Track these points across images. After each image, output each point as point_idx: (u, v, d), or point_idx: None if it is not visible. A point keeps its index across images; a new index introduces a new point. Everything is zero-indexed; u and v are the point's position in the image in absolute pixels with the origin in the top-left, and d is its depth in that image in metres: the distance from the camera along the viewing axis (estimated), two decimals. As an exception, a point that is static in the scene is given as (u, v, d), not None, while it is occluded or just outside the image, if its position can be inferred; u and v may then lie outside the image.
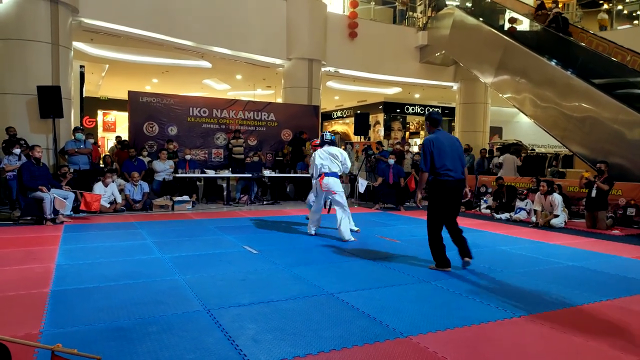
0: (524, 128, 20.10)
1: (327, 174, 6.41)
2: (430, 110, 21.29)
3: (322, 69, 13.79)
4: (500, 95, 12.65)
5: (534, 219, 8.39)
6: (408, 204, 11.16)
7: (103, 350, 2.64)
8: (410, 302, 3.71)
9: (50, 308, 3.38)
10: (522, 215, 8.89)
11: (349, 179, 12.78)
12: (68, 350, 1.88)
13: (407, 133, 21.78)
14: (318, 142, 7.05)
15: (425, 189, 4.97)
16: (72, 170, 8.57)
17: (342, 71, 14.63)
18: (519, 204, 9.13)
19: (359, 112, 15.35)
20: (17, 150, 8.17)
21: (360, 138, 14.33)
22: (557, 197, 8.18)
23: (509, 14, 13.23)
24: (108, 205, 8.61)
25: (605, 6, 15.24)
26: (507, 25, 13.16)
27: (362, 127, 13.77)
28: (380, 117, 20.67)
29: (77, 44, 11.76)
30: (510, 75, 11.97)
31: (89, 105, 18.05)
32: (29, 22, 8.84)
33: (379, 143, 13.05)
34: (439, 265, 4.81)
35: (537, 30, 12.57)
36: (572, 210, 9.20)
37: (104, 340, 2.84)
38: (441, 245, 4.80)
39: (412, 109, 20.95)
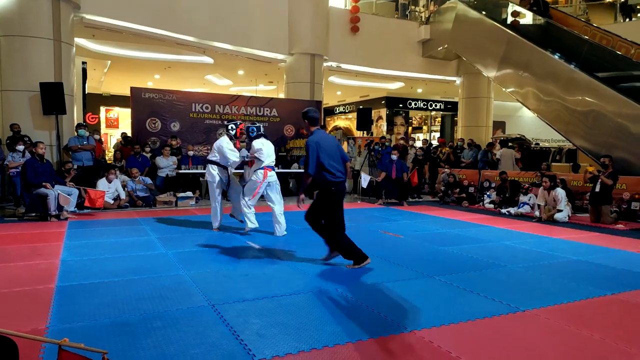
0: (527, 122, 20.02)
1: (272, 168, 6.32)
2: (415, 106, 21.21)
3: (324, 64, 13.74)
4: (504, 89, 12.59)
5: (537, 213, 8.37)
6: (411, 199, 11.16)
7: (109, 345, 2.65)
8: (415, 297, 3.72)
9: (56, 303, 3.40)
10: (525, 209, 8.87)
11: (351, 174, 12.78)
12: (75, 345, 1.88)
13: (410, 128, 21.73)
14: (245, 129, 6.57)
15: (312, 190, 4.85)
16: (76, 166, 8.60)
17: (344, 66, 14.57)
18: (522, 198, 9.12)
19: (361, 107, 15.32)
20: (20, 147, 8.20)
21: (363, 133, 14.30)
22: (560, 192, 8.15)
23: (511, 8, 13.14)
24: (112, 202, 8.63)
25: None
26: (510, 19, 13.08)
27: (364, 122, 13.74)
28: (383, 112, 20.60)
29: (79, 40, 11.75)
30: (513, 69, 11.91)
31: (92, 102, 18.05)
32: (31, 19, 8.83)
33: (383, 138, 13.04)
34: (358, 262, 4.59)
35: (541, 23, 12.49)
36: (576, 204, 9.17)
37: (109, 335, 2.86)
38: (350, 242, 4.59)
39: (415, 104, 20.87)
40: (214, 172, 6.44)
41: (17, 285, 3.84)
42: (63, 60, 9.26)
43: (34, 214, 7.40)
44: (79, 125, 9.35)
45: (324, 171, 4.50)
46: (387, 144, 12.56)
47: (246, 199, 6.17)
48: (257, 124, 6.55)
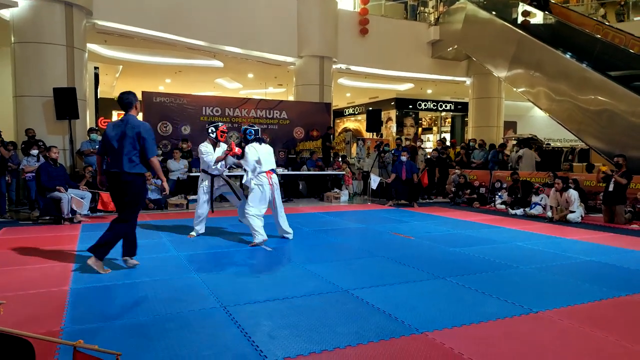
0: (539, 122, 19.83)
1: (273, 171, 5.94)
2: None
3: (334, 66, 13.76)
4: (515, 89, 12.50)
5: (549, 214, 8.29)
6: (422, 200, 11.11)
7: (122, 347, 2.68)
8: (426, 298, 3.70)
9: (70, 306, 3.44)
10: (537, 210, 8.79)
11: (361, 176, 12.78)
12: (89, 347, 1.91)
13: (420, 129, 21.65)
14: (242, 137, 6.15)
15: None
16: (93, 169, 8.69)
17: (353, 68, 14.58)
18: (534, 199, 9.04)
19: (370, 108, 15.33)
20: (34, 152, 8.32)
21: (373, 135, 14.29)
22: (573, 193, 8.06)
23: (522, 7, 13.06)
24: (124, 205, 8.71)
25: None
26: (520, 19, 12.99)
27: (374, 123, 13.74)
28: (393, 113, 20.56)
29: (92, 46, 11.90)
30: (524, 68, 11.82)
31: (104, 106, 18.25)
32: (45, 26, 8.97)
33: (399, 139, 13.01)
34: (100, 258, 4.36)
35: (552, 22, 12.39)
36: (589, 204, 9.06)
37: (123, 337, 2.89)
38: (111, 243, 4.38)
39: (425, 105, 20.79)
40: (202, 179, 6.16)
41: (32, 288, 3.89)
42: (76, 65, 9.39)
43: (48, 218, 7.50)
44: (91, 130, 9.46)
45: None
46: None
47: (252, 208, 5.72)
48: (256, 127, 6.02)
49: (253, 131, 5.90)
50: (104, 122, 19.41)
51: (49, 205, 7.34)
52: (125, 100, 4.42)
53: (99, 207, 7.94)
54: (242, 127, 6.12)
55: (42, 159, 8.24)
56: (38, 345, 2.06)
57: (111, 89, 18.40)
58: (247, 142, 5.85)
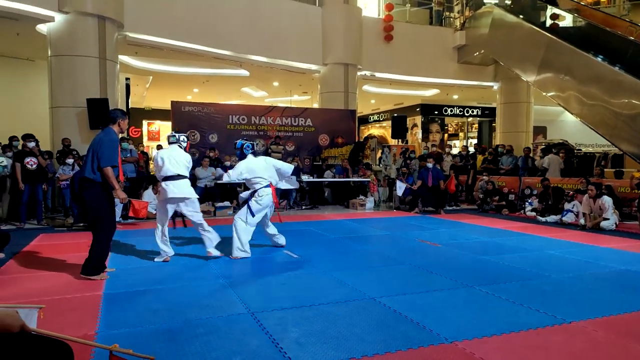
0: (570, 127, 19.33)
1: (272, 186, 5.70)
2: (470, 111, 20.81)
3: (358, 73, 13.78)
4: (544, 93, 12.23)
5: (582, 221, 8.05)
6: (449, 207, 10.97)
7: (154, 351, 2.73)
8: (455, 307, 3.65)
9: (104, 310, 3.55)
10: (569, 217, 8.55)
11: (387, 183, 12.70)
12: (124, 351, 1.97)
13: (446, 135, 21.41)
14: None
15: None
16: (126, 177, 8.91)
17: (378, 75, 14.57)
18: (566, 206, 8.80)
19: (395, 115, 15.23)
20: (70, 160, 8.62)
21: (398, 141, 14.21)
22: (607, 200, 7.81)
23: (550, 10, 12.80)
24: (154, 212, 8.90)
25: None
26: (548, 22, 12.74)
27: (399, 130, 13.67)
28: (418, 119, 20.40)
29: (123, 58, 12.28)
30: (553, 72, 11.56)
31: (135, 116, 18.78)
32: (79, 39, 9.33)
33: (409, 151, 12.62)
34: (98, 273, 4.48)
35: (581, 25, 12.10)
36: (624, 211, 8.76)
37: (154, 341, 2.95)
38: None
39: (451, 111, 20.56)
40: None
41: (68, 293, 4.02)
42: (108, 77, 9.71)
43: (81, 224, 7.73)
44: (122, 139, 9.72)
45: None
46: (425, 151, 12.39)
47: (243, 221, 5.52)
48: (253, 142, 5.95)
49: (250, 145, 5.75)
50: (135, 132, 20.00)
51: (83, 213, 7.57)
52: (111, 114, 4.72)
53: (130, 214, 8.11)
54: (238, 141, 5.85)
55: (76, 167, 8.52)
56: (75, 348, 2.13)
57: (142, 99, 18.91)
58: (243, 156, 5.70)
